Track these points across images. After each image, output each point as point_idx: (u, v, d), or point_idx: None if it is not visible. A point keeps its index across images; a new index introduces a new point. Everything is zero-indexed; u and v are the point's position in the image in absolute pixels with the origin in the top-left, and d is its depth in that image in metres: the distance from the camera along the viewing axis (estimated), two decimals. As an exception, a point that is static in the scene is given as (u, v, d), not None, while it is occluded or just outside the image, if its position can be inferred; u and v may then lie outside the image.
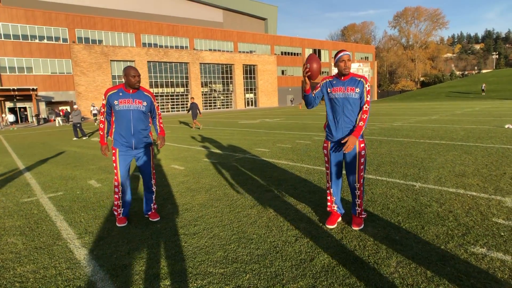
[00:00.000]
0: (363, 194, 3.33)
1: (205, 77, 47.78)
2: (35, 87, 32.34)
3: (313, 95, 3.28)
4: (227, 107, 51.16)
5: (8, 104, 34.31)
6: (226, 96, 50.90)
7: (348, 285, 2.31)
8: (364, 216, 3.31)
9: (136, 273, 2.60)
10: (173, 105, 45.56)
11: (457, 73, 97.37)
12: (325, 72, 61.21)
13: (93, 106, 30.28)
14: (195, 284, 2.41)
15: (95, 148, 10.62)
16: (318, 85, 3.33)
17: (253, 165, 6.59)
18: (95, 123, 27.56)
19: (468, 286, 2.23)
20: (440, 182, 4.69)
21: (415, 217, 3.44)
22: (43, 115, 35.07)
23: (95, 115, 29.16)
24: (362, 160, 3.21)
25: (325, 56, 62.37)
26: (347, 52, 3.13)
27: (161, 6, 51.33)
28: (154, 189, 3.83)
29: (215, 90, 49.43)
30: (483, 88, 44.30)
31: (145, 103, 3.64)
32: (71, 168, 7.31)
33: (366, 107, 3.13)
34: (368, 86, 3.20)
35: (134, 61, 40.59)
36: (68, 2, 43.29)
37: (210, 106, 49.13)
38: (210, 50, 48.36)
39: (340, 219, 3.48)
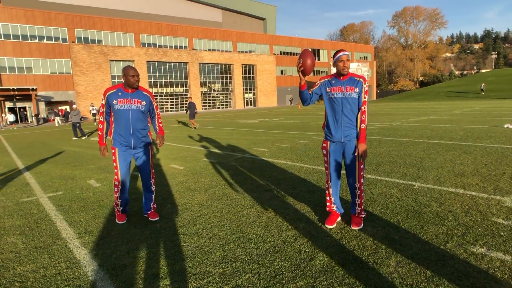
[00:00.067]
0: (363, 194, 3.33)
1: (204, 77, 47.76)
2: (34, 87, 32.31)
3: (310, 92, 3.28)
4: (226, 107, 51.15)
5: (8, 104, 34.26)
6: (225, 96, 50.89)
7: (348, 284, 2.31)
8: (363, 215, 3.32)
9: (135, 273, 2.60)
10: (172, 105, 45.52)
11: (456, 72, 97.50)
12: (324, 72, 61.21)
13: (92, 106, 30.26)
14: (195, 284, 2.41)
15: (95, 148, 10.62)
16: (317, 83, 3.33)
17: (252, 164, 6.59)
18: (94, 123, 27.53)
19: (468, 286, 2.23)
20: (440, 181, 4.70)
21: (414, 217, 3.45)
22: (43, 115, 35.04)
23: (94, 115, 29.14)
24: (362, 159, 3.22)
25: (324, 56, 62.37)
26: (346, 52, 3.13)
27: (160, 6, 51.30)
28: (153, 189, 3.83)
29: (214, 90, 49.41)
30: (482, 87, 44.33)
31: (144, 103, 3.65)
32: (70, 167, 7.30)
33: (364, 108, 3.15)
34: (367, 86, 3.20)
35: (133, 61, 40.56)
36: (67, 2, 43.25)
37: (209, 106, 49.11)
38: (209, 50, 48.34)
39: (339, 219, 3.48)
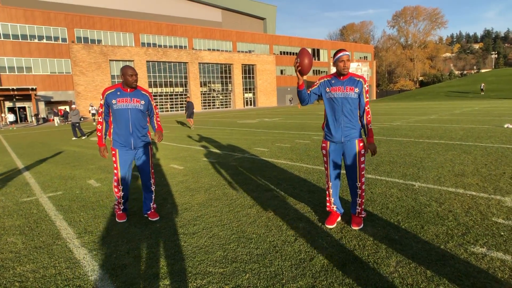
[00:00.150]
0: (364, 194, 3.33)
1: (204, 76, 47.75)
2: (34, 87, 32.30)
3: (309, 92, 3.28)
4: (226, 107, 51.14)
5: (8, 104, 34.24)
6: (225, 96, 50.87)
7: (348, 284, 2.31)
8: (363, 215, 3.31)
9: (135, 273, 2.60)
10: (172, 105, 45.51)
11: (456, 72, 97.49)
12: (324, 71, 61.19)
13: (91, 106, 30.25)
14: (195, 284, 2.41)
15: (94, 148, 10.61)
16: (316, 83, 3.32)
17: (252, 164, 6.59)
18: (94, 123, 27.52)
19: (468, 285, 2.23)
20: (440, 181, 4.70)
21: (414, 217, 3.44)
22: (42, 114, 35.02)
23: (93, 114, 29.13)
24: (362, 159, 3.22)
25: (324, 56, 62.35)
26: (347, 52, 3.12)
27: (160, 6, 51.30)
28: (153, 189, 3.83)
29: (214, 90, 49.40)
30: (482, 87, 44.33)
31: (142, 102, 3.65)
32: (70, 167, 7.30)
33: (368, 108, 3.21)
34: (367, 86, 3.21)
35: (133, 60, 40.54)
36: (67, 2, 43.26)
37: (209, 105, 49.10)
38: (209, 49, 48.33)
39: (339, 218, 3.48)
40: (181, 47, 45.94)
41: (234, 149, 8.78)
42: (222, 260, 2.74)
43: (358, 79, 3.17)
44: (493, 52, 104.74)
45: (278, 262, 2.67)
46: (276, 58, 55.11)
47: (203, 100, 47.97)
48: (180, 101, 45.93)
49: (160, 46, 44.08)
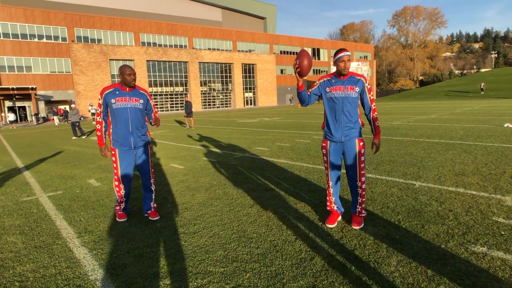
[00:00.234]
0: (365, 193, 3.33)
1: (204, 76, 47.73)
2: (34, 86, 32.28)
3: (309, 93, 3.27)
4: (226, 106, 51.13)
5: (7, 103, 34.23)
6: (225, 95, 50.86)
7: (349, 284, 2.30)
8: (364, 215, 3.31)
9: (136, 272, 2.60)
10: (172, 104, 45.49)
11: (456, 72, 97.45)
12: (324, 71, 61.16)
13: (91, 106, 30.25)
14: (195, 283, 2.41)
15: (94, 147, 10.61)
16: (316, 83, 3.31)
17: (252, 164, 6.58)
18: (93, 122, 27.52)
19: (469, 285, 2.22)
20: (440, 181, 4.69)
21: (415, 216, 3.44)
22: (42, 114, 35.01)
23: (93, 114, 29.13)
24: (363, 158, 3.21)
25: (324, 55, 62.34)
26: (348, 53, 3.10)
27: (160, 5, 51.26)
28: (153, 188, 3.82)
29: (214, 89, 49.39)
30: (482, 87, 44.32)
31: (141, 101, 3.65)
32: (70, 167, 7.30)
33: (374, 106, 3.24)
34: (369, 84, 3.21)
35: (133, 60, 40.52)
36: (67, 1, 43.23)
37: (209, 105, 49.08)
38: (209, 49, 48.31)
39: (340, 218, 3.48)
40: (181, 46, 45.92)
41: (234, 148, 8.78)
42: (222, 260, 2.73)
43: (358, 78, 3.17)
44: (493, 52, 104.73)
45: (279, 261, 2.67)
46: (276, 58, 55.10)
47: (203, 99, 47.95)
48: (181, 100, 45.92)
49: (160, 45, 44.06)
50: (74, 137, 14.30)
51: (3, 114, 31.35)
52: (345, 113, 3.16)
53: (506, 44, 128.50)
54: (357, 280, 2.34)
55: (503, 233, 2.96)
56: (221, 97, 50.51)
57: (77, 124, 14.34)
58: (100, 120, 3.61)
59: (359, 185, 3.24)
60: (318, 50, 61.53)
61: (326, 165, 3.37)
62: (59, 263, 2.82)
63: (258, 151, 8.13)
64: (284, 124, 15.92)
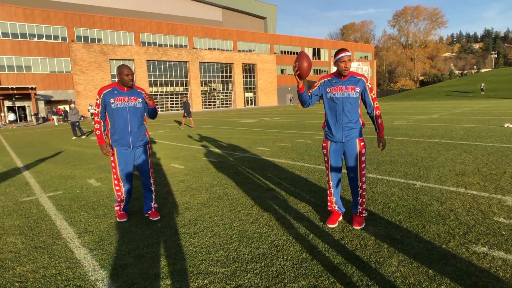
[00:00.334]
0: (365, 193, 3.32)
1: (205, 76, 47.71)
2: (34, 86, 32.27)
3: (309, 94, 3.27)
4: (227, 106, 51.12)
5: (7, 103, 34.21)
6: (226, 95, 50.85)
7: (350, 284, 2.30)
8: (365, 215, 3.31)
9: (136, 273, 2.59)
10: (173, 104, 45.48)
11: (456, 72, 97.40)
12: (324, 71, 61.15)
13: (91, 106, 30.23)
14: (196, 284, 2.40)
15: (94, 147, 10.60)
16: (316, 84, 3.30)
17: (253, 164, 6.58)
18: (92, 122, 27.51)
19: (470, 285, 2.22)
20: (441, 181, 4.69)
21: (416, 216, 3.44)
22: (42, 114, 34.99)
23: (93, 114, 29.12)
24: (363, 158, 3.21)
25: (325, 55, 62.32)
26: (348, 53, 3.09)
27: (160, 5, 51.24)
28: (153, 188, 3.81)
29: (214, 89, 49.37)
30: (482, 87, 44.29)
31: (140, 100, 3.65)
32: (70, 167, 7.29)
33: (376, 104, 3.23)
34: (370, 83, 3.20)
35: (133, 59, 40.51)
36: (67, 1, 43.19)
37: (209, 105, 49.07)
38: (209, 49, 48.29)
39: (341, 218, 3.47)
40: (181, 46, 45.90)
41: (235, 148, 8.77)
42: (223, 260, 2.73)
43: (359, 78, 3.16)
44: (493, 52, 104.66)
45: (280, 261, 2.66)
46: (276, 58, 55.08)
47: (204, 99, 47.94)
48: (181, 100, 45.90)
49: (160, 45, 44.03)
50: (74, 137, 14.30)
51: (2, 114, 31.33)
52: (345, 113, 3.16)
53: (506, 44, 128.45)
54: (358, 280, 2.33)
55: (503, 233, 2.96)
56: (221, 97, 50.49)
57: (77, 124, 14.34)
58: (99, 119, 3.60)
59: (360, 185, 3.23)
60: (319, 50, 61.51)
61: (327, 165, 3.37)
62: (59, 263, 2.81)
63: (259, 151, 8.13)
64: (285, 124, 15.91)
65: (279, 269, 2.54)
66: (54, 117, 28.48)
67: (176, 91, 45.32)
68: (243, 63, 50.90)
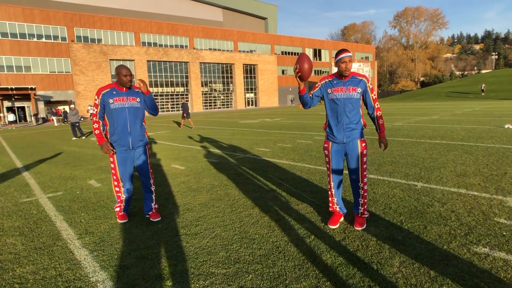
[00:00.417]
0: (367, 194, 3.32)
1: (205, 76, 47.72)
2: (33, 87, 32.26)
3: (310, 95, 3.26)
4: (227, 107, 51.13)
5: (6, 104, 34.21)
6: (226, 96, 50.86)
7: (351, 285, 2.29)
8: (366, 216, 3.30)
9: (137, 274, 2.58)
10: (173, 104, 45.48)
11: (457, 73, 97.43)
12: (325, 72, 61.16)
13: (91, 106, 30.22)
14: (197, 285, 2.40)
15: (95, 148, 10.59)
16: (317, 85, 3.30)
17: (254, 165, 6.57)
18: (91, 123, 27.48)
19: (472, 285, 2.21)
20: (442, 182, 4.68)
21: (417, 217, 3.43)
22: (42, 114, 34.98)
23: (91, 114, 29.12)
24: (365, 159, 3.20)
25: (326, 56, 62.32)
26: (349, 54, 3.07)
27: (160, 5, 51.26)
28: (153, 189, 3.80)
29: (215, 90, 49.37)
30: (482, 88, 44.29)
31: (138, 99, 3.64)
32: (70, 167, 7.28)
33: (377, 105, 3.23)
34: (371, 84, 3.19)
35: (133, 60, 40.53)
36: (66, 1, 43.20)
37: (210, 105, 49.08)
38: (210, 49, 48.30)
39: (342, 219, 3.46)
40: (182, 46, 45.91)
41: (235, 149, 8.77)
42: (225, 261, 2.72)
43: (360, 78, 3.15)
44: (494, 53, 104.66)
45: (281, 262, 2.65)
46: (277, 58, 55.09)
47: (204, 100, 47.94)
48: (181, 101, 45.86)
49: (160, 45, 44.05)
50: (74, 138, 14.30)
51: (2, 115, 31.34)
52: (347, 114, 3.15)
53: (506, 45, 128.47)
54: (360, 281, 2.32)
55: (504, 233, 2.95)
56: (222, 97, 50.50)
57: (77, 124, 14.34)
58: (97, 120, 3.58)
59: (361, 186, 3.22)
60: (320, 50, 61.51)
61: (328, 166, 3.36)
62: (59, 264, 2.81)
63: (260, 152, 8.12)
64: (286, 124, 15.91)
65: (280, 270, 2.54)
66: (54, 118, 28.49)
67: (176, 92, 45.32)
68: (243, 64, 50.91)
